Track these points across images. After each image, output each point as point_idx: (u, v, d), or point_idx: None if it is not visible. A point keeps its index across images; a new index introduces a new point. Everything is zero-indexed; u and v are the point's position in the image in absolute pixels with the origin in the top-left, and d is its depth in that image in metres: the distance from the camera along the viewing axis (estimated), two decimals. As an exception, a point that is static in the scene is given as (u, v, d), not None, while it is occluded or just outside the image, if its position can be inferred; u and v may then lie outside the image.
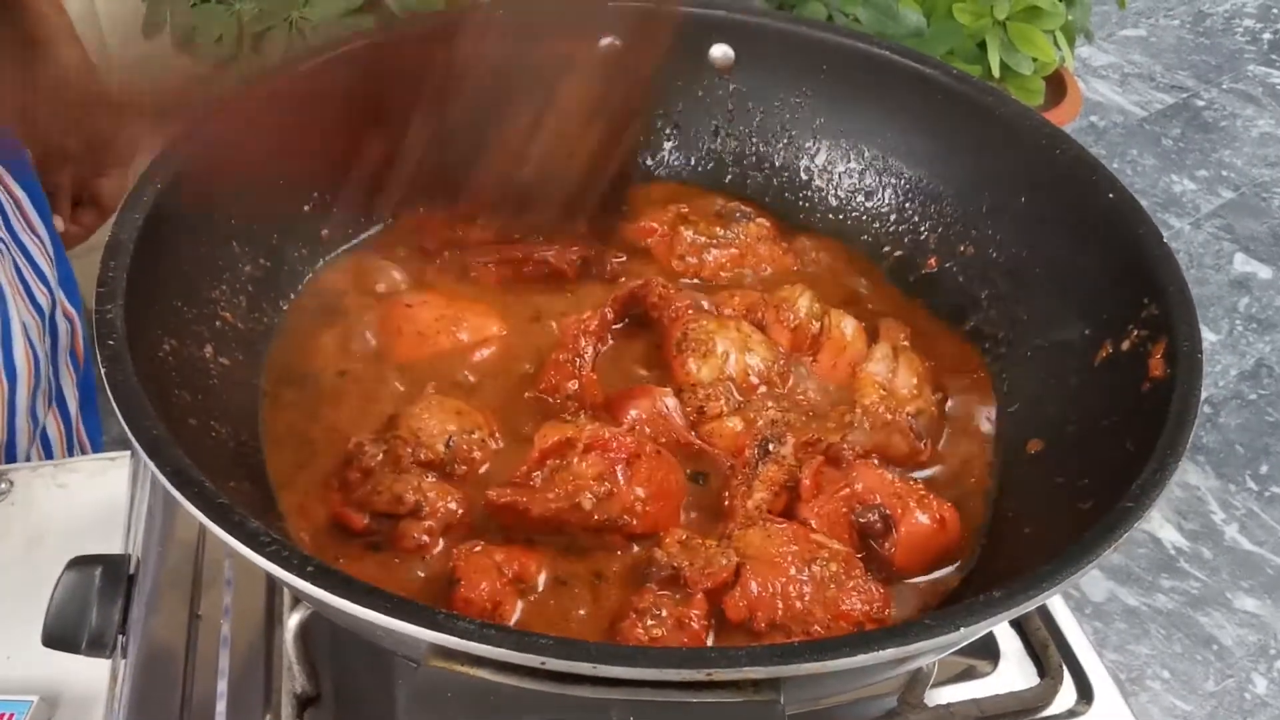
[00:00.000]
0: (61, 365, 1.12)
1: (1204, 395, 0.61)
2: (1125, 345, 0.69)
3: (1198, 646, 1.98)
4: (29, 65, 1.09)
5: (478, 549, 0.64)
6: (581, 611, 0.65)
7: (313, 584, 0.47)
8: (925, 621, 0.47)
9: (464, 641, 0.45)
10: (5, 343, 1.01)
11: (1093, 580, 2.07)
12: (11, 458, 1.04)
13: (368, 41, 0.85)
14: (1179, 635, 2.00)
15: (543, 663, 0.44)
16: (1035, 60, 2.19)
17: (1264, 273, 2.73)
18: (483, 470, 0.71)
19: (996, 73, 2.10)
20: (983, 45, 2.19)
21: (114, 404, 0.55)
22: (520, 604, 0.63)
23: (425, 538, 0.66)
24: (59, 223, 1.13)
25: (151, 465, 0.52)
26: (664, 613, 0.61)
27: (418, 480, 0.67)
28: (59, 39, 1.11)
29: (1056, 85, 2.55)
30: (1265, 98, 3.31)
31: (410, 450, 0.69)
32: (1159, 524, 2.18)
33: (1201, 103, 3.29)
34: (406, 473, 0.67)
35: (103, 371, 0.57)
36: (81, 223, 1.16)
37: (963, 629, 0.47)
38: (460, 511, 0.68)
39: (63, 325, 1.11)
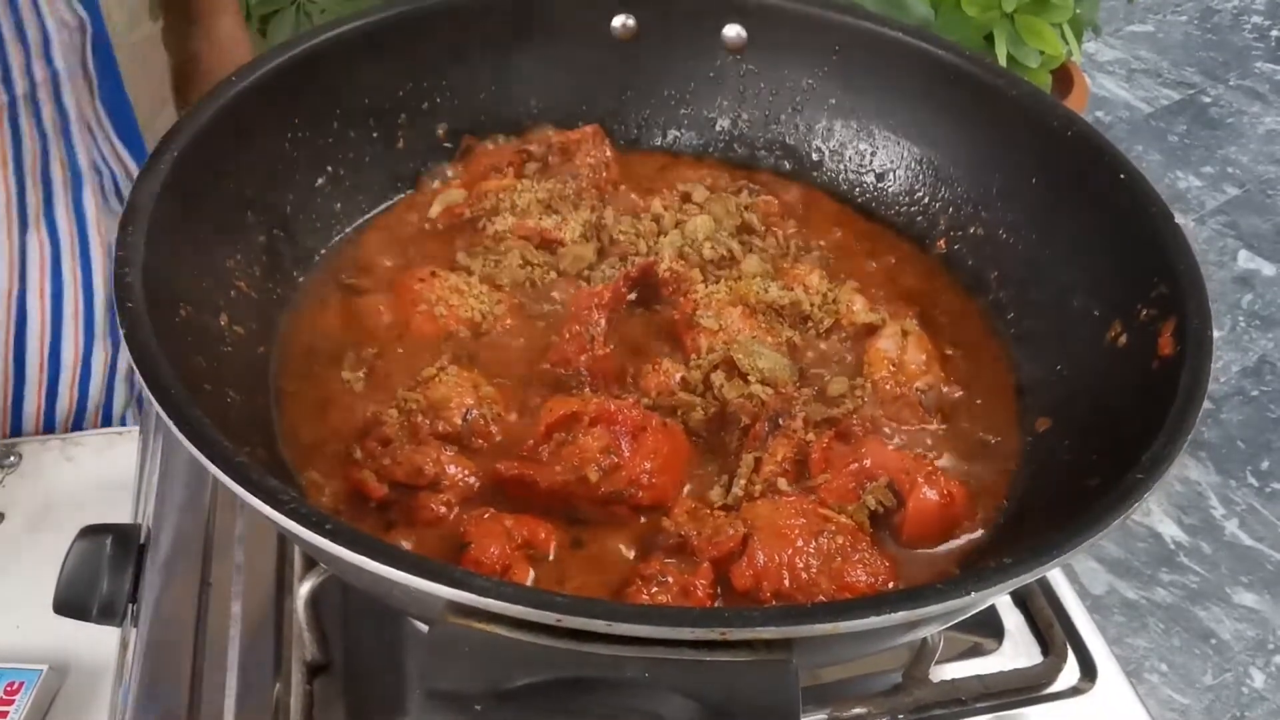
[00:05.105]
0: None
1: (1207, 388, 0.61)
2: (1135, 324, 0.69)
3: (1196, 640, 1.99)
4: (188, 35, 1.11)
5: (487, 515, 0.65)
6: (587, 579, 0.65)
7: (332, 541, 0.47)
8: (937, 586, 0.48)
9: (481, 598, 0.45)
10: (112, 310, 1.03)
11: (1092, 573, 2.08)
12: (107, 420, 1.09)
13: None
14: (1178, 629, 2.00)
15: (558, 619, 0.45)
16: (1042, 54, 2.19)
17: (1267, 270, 2.73)
18: (497, 443, 0.71)
19: (1003, 65, 2.10)
20: (990, 38, 2.19)
21: (134, 364, 0.56)
22: (530, 570, 0.64)
23: (443, 509, 0.66)
24: None
25: (171, 424, 0.52)
26: (670, 579, 0.62)
27: (436, 453, 0.68)
28: (220, 9, 1.13)
29: (1063, 79, 2.55)
30: (1272, 95, 3.32)
31: (428, 422, 0.69)
32: (1159, 518, 2.18)
33: (1208, 99, 3.29)
34: (425, 444, 0.68)
35: (122, 333, 0.57)
36: None
37: (974, 593, 0.47)
38: (476, 484, 0.68)
39: None
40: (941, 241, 0.88)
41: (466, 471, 0.68)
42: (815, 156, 0.94)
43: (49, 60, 0.93)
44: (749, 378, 0.73)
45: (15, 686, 0.79)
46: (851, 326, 0.78)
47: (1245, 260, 2.76)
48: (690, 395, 0.73)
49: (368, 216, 0.88)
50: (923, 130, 0.89)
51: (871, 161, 0.92)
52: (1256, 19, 3.66)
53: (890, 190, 0.91)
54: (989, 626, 0.76)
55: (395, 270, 0.83)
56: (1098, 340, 0.72)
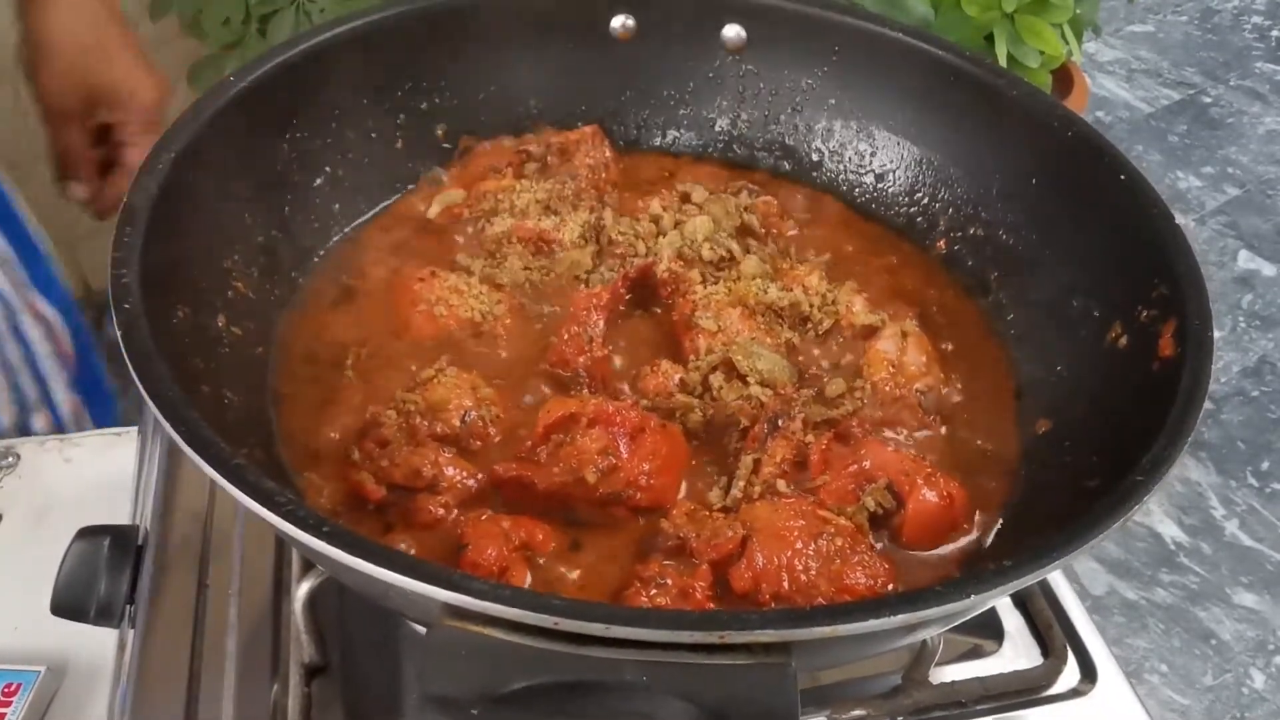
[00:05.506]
0: (46, 369, 1.10)
1: (1207, 390, 0.61)
2: (1135, 325, 0.69)
3: (1196, 641, 1.98)
4: (25, 17, 1.09)
5: (485, 517, 0.65)
6: (585, 582, 0.65)
7: (329, 544, 0.47)
8: (937, 588, 0.48)
9: (478, 601, 0.45)
10: None
11: (1092, 574, 2.08)
12: None
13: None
14: (1178, 630, 2.00)
15: (556, 623, 0.45)
16: (1042, 54, 2.19)
17: (1268, 270, 2.73)
18: (495, 445, 0.71)
19: (1003, 65, 2.10)
20: (990, 38, 2.18)
21: (130, 366, 0.55)
22: (528, 572, 0.64)
23: (441, 510, 0.66)
24: (79, 190, 1.11)
25: (167, 426, 0.52)
26: (668, 582, 0.62)
27: (434, 454, 0.67)
28: None
29: (1063, 80, 2.55)
30: (1272, 95, 3.31)
31: (426, 424, 0.69)
32: (1159, 519, 2.18)
33: (1208, 99, 3.29)
34: (423, 446, 0.68)
35: (119, 335, 0.57)
36: (118, 187, 1.14)
37: (974, 596, 0.47)
38: (474, 486, 0.68)
39: (36, 330, 1.08)
40: (941, 242, 0.87)
41: (465, 473, 0.68)
42: (815, 157, 0.94)
43: None
44: (748, 379, 0.73)
45: (13, 688, 0.78)
46: (851, 328, 0.78)
47: (1245, 260, 2.75)
48: (689, 397, 0.73)
49: (366, 217, 0.88)
50: (923, 130, 0.89)
51: (871, 162, 0.92)
52: (1256, 19, 3.65)
53: (890, 191, 0.91)
54: (989, 628, 0.76)
55: (394, 270, 0.83)
56: (1098, 341, 0.72)
